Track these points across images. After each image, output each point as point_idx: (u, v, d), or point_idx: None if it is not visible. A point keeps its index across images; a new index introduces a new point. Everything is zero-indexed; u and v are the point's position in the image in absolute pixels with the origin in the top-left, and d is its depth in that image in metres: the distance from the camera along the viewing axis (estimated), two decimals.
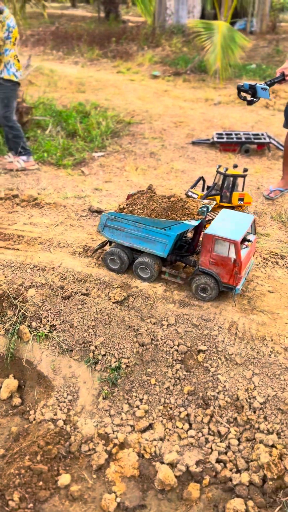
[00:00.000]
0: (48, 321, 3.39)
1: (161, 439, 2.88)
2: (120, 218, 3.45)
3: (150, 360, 3.12)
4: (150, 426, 2.94)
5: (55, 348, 3.27)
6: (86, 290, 3.51)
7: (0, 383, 3.31)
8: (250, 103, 4.08)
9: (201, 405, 2.94)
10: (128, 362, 3.12)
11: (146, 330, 3.21)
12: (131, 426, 2.94)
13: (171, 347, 3.14)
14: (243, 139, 6.46)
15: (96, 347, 3.20)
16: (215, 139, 6.52)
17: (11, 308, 3.47)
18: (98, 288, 3.55)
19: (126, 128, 7.34)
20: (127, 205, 3.58)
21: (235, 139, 6.48)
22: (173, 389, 3.02)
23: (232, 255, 3.12)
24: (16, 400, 3.21)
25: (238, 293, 3.30)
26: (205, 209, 3.31)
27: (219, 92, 9.87)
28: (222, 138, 6.58)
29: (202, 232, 3.30)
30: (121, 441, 2.87)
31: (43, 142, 6.42)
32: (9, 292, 3.53)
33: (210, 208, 3.39)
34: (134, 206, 3.50)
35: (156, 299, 3.41)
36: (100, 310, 3.33)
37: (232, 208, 4.32)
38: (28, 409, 3.14)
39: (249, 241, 3.33)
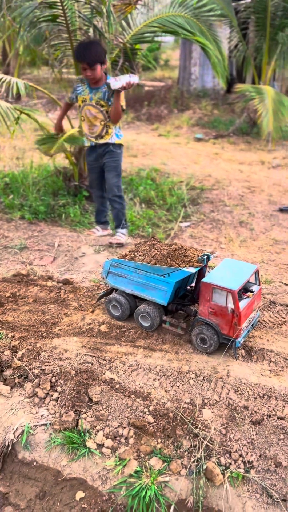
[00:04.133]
0: (240, 455, 2.63)
1: None
2: (122, 264, 3.46)
3: None
4: None
5: (261, 495, 2.50)
6: (278, 410, 2.79)
7: None
8: None
9: None
10: None
11: None
12: None
13: None
14: None
15: None
16: None
17: (187, 437, 2.72)
18: None
19: (203, 195, 6.87)
20: (129, 252, 3.57)
21: None
22: None
23: (230, 305, 2.99)
24: None
25: (238, 347, 3.15)
26: (205, 257, 3.24)
27: (272, 154, 9.63)
28: None
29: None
30: None
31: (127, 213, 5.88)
32: (182, 414, 2.79)
33: (212, 257, 3.32)
34: (136, 253, 3.49)
35: None
36: None
37: None
38: None
39: (251, 291, 3.21)
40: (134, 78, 4.34)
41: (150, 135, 11.29)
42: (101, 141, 4.82)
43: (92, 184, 5.24)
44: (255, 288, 3.27)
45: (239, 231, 5.72)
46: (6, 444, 2.78)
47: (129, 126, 12.27)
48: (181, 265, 3.20)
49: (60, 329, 3.50)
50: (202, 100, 14.52)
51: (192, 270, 3.18)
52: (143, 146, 9.91)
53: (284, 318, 3.66)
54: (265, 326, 3.57)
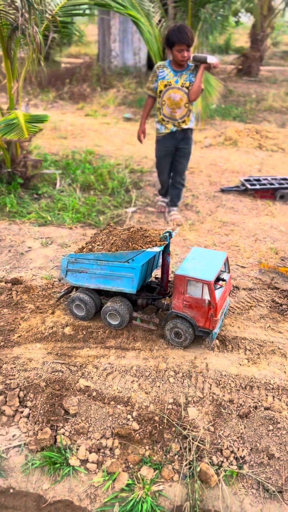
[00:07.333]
0: (232, 452, 2.55)
1: None
2: (81, 258, 3.20)
3: None
4: None
5: (257, 490, 2.44)
6: (263, 400, 2.75)
7: None
8: None
9: None
10: None
11: None
12: None
13: None
14: (276, 185, 6.14)
15: None
16: (249, 186, 6.13)
17: (176, 440, 2.58)
18: (273, 395, 2.80)
19: (144, 178, 6.68)
20: (86, 243, 3.38)
21: (268, 185, 6.14)
22: None
23: (206, 297, 2.91)
24: None
25: (215, 338, 3.06)
26: (167, 234, 3.12)
27: (202, 134, 9.64)
28: (255, 185, 6.21)
29: (172, 273, 3.08)
30: None
31: (69, 202, 5.51)
32: (168, 416, 2.64)
33: (174, 234, 3.20)
34: (93, 244, 3.31)
35: None
36: None
37: None
38: None
39: (223, 280, 3.11)
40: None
41: (77, 114, 10.79)
42: (184, 126, 4.92)
43: (164, 170, 5.33)
44: (226, 276, 3.19)
45: (186, 215, 5.63)
46: None
47: (52, 105, 11.64)
48: (144, 247, 3.04)
49: (19, 336, 3.17)
50: (125, 78, 14.17)
51: (157, 249, 3.03)
52: (72, 127, 9.44)
53: (249, 302, 3.63)
54: (233, 312, 3.53)
